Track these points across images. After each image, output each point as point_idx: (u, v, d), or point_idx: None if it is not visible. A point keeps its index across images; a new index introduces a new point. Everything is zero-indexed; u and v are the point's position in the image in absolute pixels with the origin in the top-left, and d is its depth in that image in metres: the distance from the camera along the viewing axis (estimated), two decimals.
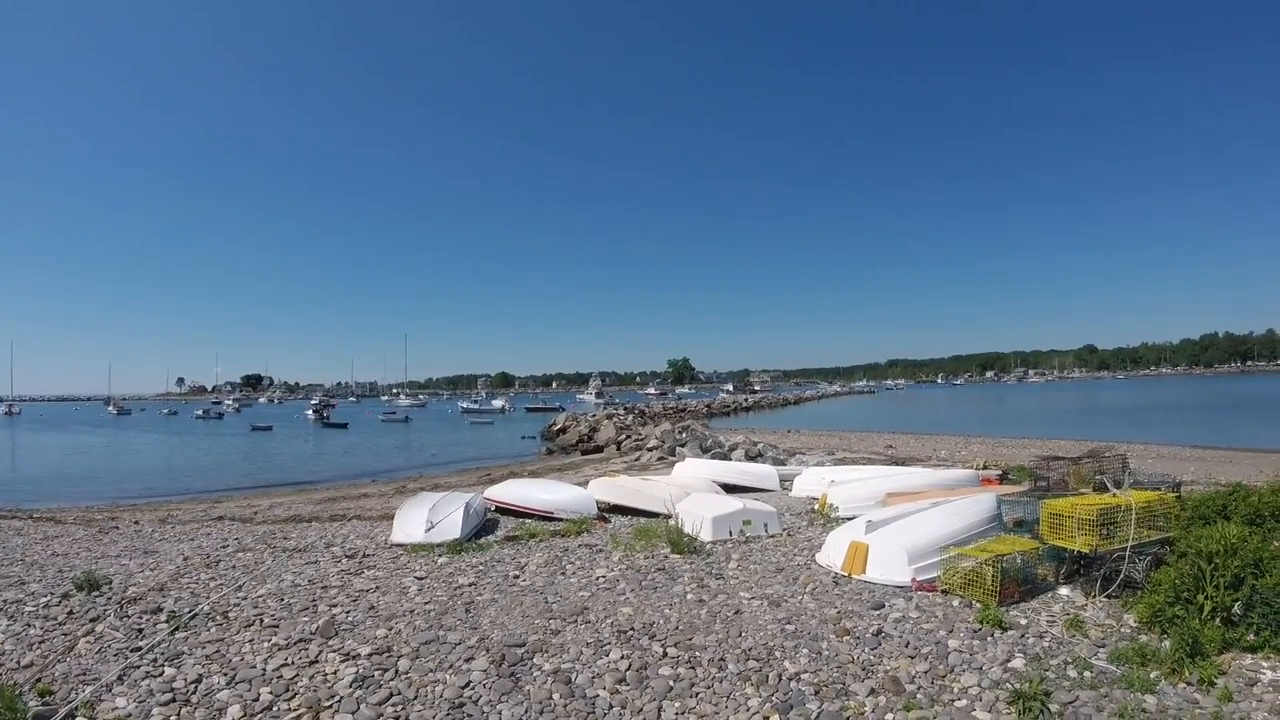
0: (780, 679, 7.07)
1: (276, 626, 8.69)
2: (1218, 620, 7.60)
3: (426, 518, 13.69)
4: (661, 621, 8.75)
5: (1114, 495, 10.22)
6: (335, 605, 9.54)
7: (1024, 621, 8.59)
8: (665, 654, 7.71)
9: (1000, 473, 20.19)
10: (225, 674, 7.27)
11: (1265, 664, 7.12)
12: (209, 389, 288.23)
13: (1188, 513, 10.08)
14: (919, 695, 6.72)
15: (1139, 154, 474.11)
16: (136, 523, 17.78)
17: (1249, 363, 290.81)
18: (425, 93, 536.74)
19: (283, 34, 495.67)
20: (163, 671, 7.35)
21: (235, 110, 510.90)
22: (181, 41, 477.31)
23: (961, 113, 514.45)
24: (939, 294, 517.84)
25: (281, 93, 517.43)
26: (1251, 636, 7.41)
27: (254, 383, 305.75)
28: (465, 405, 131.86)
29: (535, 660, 7.56)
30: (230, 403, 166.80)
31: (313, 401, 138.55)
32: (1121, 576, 9.14)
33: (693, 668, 7.36)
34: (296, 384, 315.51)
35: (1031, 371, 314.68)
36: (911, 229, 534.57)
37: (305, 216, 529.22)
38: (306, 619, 8.96)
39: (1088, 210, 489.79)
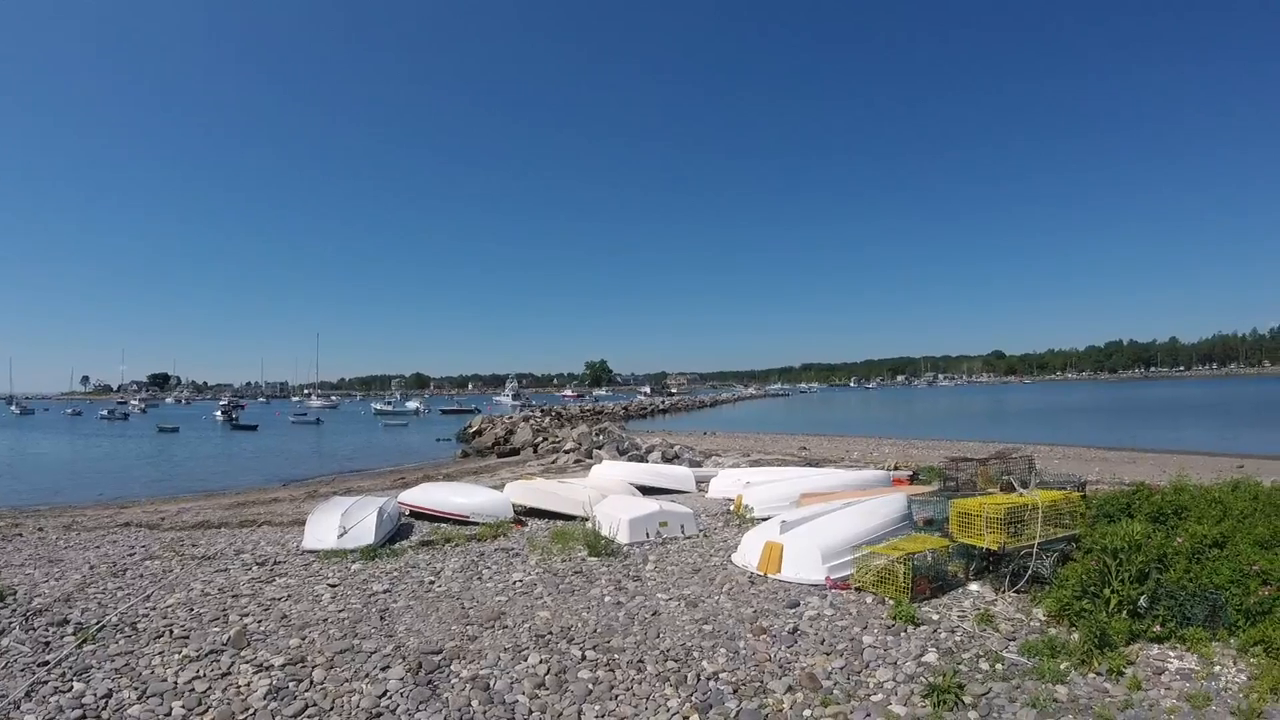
0: (699, 679, 7.09)
1: (187, 637, 8.43)
2: (1124, 613, 7.82)
3: (339, 523, 13.41)
4: (579, 625, 8.70)
5: (1021, 495, 10.46)
6: (246, 614, 9.29)
7: (936, 617, 8.74)
8: (584, 657, 7.67)
9: (911, 473, 20.53)
10: (135, 688, 7.03)
11: (1172, 653, 7.38)
12: (115, 388, 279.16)
13: (1093, 511, 10.34)
14: (836, 691, 6.79)
15: (1044, 167, 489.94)
16: (40, 529, 17.06)
17: (1152, 369, 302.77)
18: (327, 93, 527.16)
19: (172, 37, 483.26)
20: (71, 686, 7.08)
21: (136, 108, 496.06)
22: (59, 34, 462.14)
23: (878, 125, 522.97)
24: (851, 300, 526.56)
25: (185, 91, 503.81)
26: (1158, 628, 7.66)
27: (161, 382, 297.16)
28: (379, 407, 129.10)
29: (452, 667, 7.46)
30: (136, 403, 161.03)
31: (221, 402, 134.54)
32: (1030, 572, 9.36)
33: (612, 670, 7.34)
34: (204, 384, 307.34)
35: (941, 375, 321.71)
36: (824, 238, 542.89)
37: (214, 212, 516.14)
38: (217, 629, 8.70)
39: (996, 221, 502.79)
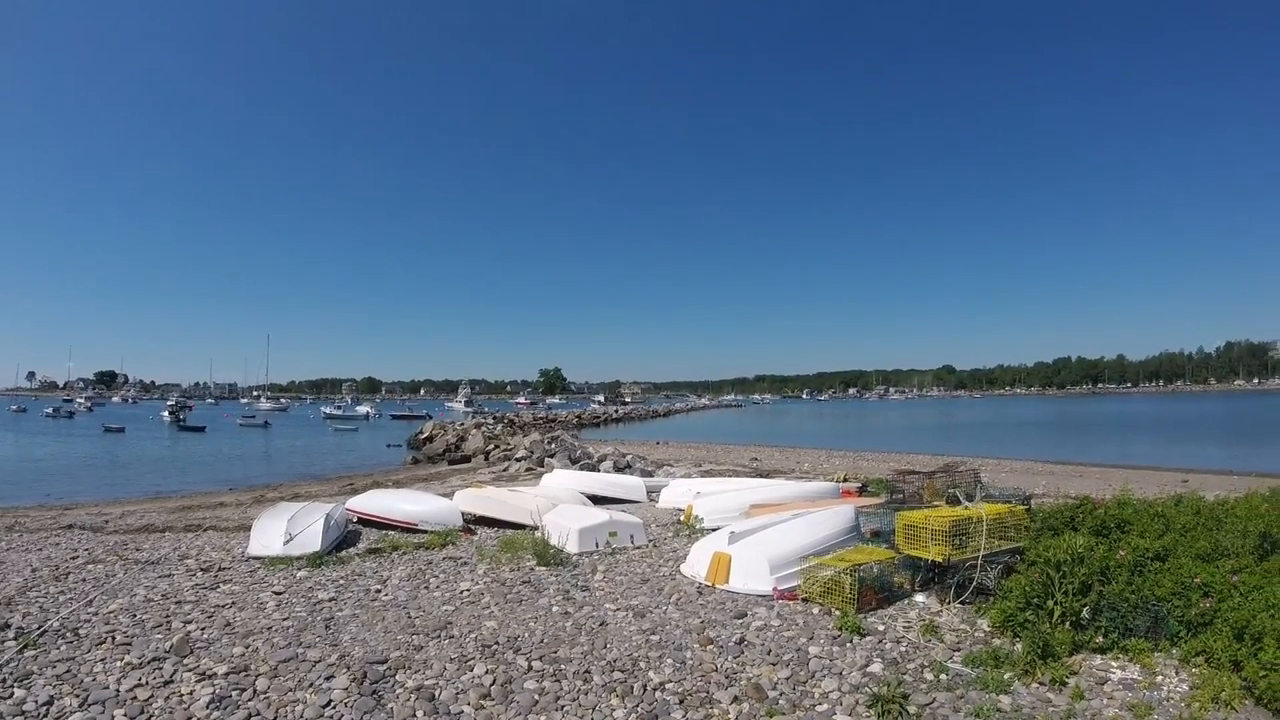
0: (645, 689, 7.05)
1: (129, 644, 8.23)
2: (1067, 624, 7.91)
3: (285, 529, 13.19)
4: (526, 635, 8.62)
5: (966, 508, 10.56)
6: (190, 621, 9.10)
7: (882, 628, 8.77)
8: (530, 668, 7.60)
9: (860, 485, 20.69)
10: (77, 695, 6.86)
11: (1114, 664, 7.47)
12: (61, 385, 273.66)
13: (1037, 524, 10.46)
14: (781, 701, 6.79)
15: (994, 188, 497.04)
16: None
17: (1099, 385, 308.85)
18: (277, 95, 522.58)
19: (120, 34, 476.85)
20: (12, 693, 6.88)
21: (82, 104, 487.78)
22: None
23: (829, 144, 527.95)
24: (805, 313, 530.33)
25: (136, 84, 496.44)
26: (1100, 639, 7.75)
27: (108, 380, 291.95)
28: (328, 410, 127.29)
29: (398, 677, 7.35)
30: (83, 401, 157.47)
31: (169, 402, 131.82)
32: (974, 584, 9.44)
33: (558, 680, 7.27)
34: (152, 383, 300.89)
35: (892, 389, 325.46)
36: (778, 252, 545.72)
37: (164, 209, 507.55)
38: (160, 636, 8.51)
39: (947, 239, 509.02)
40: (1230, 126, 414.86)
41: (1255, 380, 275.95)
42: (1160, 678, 7.11)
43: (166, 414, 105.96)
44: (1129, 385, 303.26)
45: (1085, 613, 8.04)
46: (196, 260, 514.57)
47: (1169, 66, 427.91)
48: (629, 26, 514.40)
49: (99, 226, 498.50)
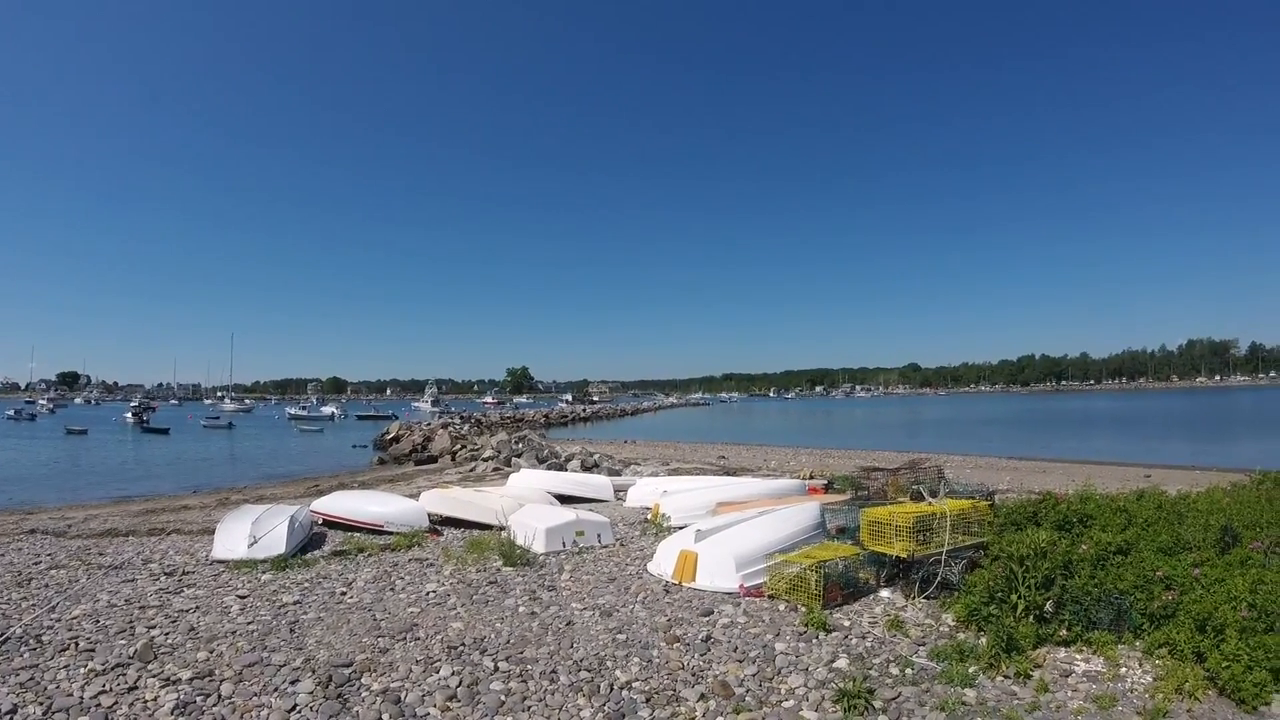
0: (612, 688, 7.03)
1: (93, 650, 8.10)
2: (1031, 618, 7.97)
3: (249, 532, 13.04)
4: (493, 636, 8.58)
5: (930, 504, 10.62)
6: (154, 627, 8.97)
7: (847, 623, 8.82)
8: (496, 669, 7.56)
9: (826, 482, 20.74)
10: (41, 703, 6.73)
11: (1078, 656, 7.56)
12: (23, 386, 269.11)
13: (1001, 519, 10.53)
14: (748, 698, 6.81)
15: (958, 191, 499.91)
16: None
17: (1063, 382, 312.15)
18: (247, 91, 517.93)
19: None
20: None
21: (44, 103, 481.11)
22: None
23: (794, 145, 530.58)
24: (771, 312, 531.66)
25: (99, 83, 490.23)
26: (1064, 632, 7.84)
27: (70, 381, 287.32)
28: (294, 411, 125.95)
29: (363, 680, 7.28)
30: (45, 402, 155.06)
31: (132, 403, 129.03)
32: (938, 579, 9.50)
33: (524, 681, 7.24)
34: (115, 383, 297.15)
35: (858, 387, 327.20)
36: (744, 252, 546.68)
37: (125, 207, 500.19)
38: (124, 642, 8.38)
39: (911, 238, 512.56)
40: (1192, 129, 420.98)
41: (1217, 377, 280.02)
42: (1124, 669, 7.19)
43: (130, 415, 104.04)
44: (1092, 382, 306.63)
45: (1049, 606, 8.12)
46: (159, 259, 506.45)
47: (1122, 69, 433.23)
48: (580, 35, 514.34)
49: (60, 225, 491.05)
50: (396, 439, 54.63)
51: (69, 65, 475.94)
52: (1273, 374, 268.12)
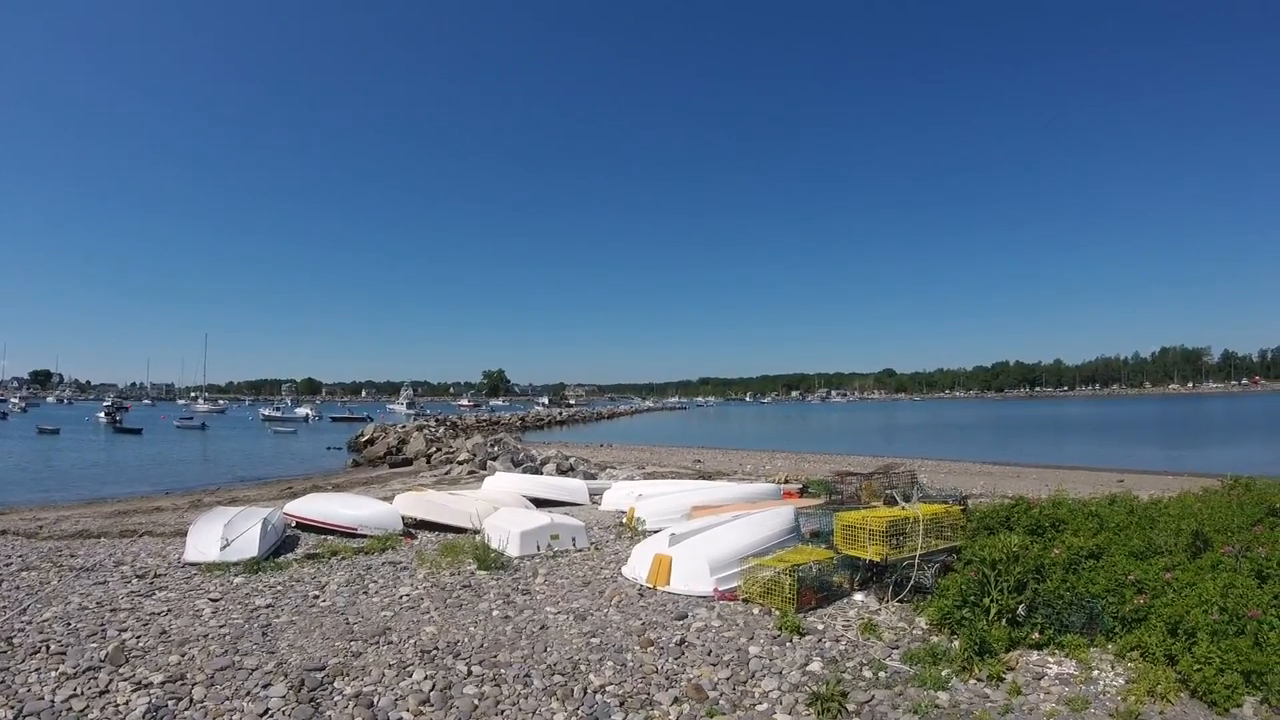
0: (585, 692, 7.02)
1: (64, 653, 7.99)
2: (1004, 621, 8.00)
3: (221, 534, 12.92)
4: (466, 639, 8.54)
5: (903, 508, 10.66)
6: (125, 630, 8.87)
7: (821, 627, 8.83)
8: (470, 673, 7.52)
9: (801, 486, 20.81)
10: (12, 707, 6.65)
11: (1051, 659, 7.60)
12: None
13: (974, 524, 10.58)
14: (722, 701, 6.81)
15: (936, 199, 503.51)
16: None
17: (1037, 388, 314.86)
18: (219, 91, 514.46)
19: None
20: None
21: (15, 96, 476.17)
22: None
23: (772, 151, 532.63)
24: (748, 316, 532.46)
25: (73, 82, 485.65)
26: (1036, 635, 7.88)
27: (42, 380, 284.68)
28: (267, 412, 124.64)
29: (336, 684, 7.22)
30: (16, 401, 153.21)
31: (105, 403, 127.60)
32: (911, 583, 9.54)
33: (498, 685, 7.20)
34: (88, 383, 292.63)
35: (834, 392, 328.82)
36: (720, 257, 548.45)
37: (98, 206, 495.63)
38: (96, 645, 8.28)
39: (887, 244, 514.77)
40: (1166, 138, 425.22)
41: (1189, 384, 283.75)
42: (1096, 672, 7.23)
43: (102, 415, 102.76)
44: (1066, 389, 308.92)
45: (1021, 610, 8.15)
46: (133, 257, 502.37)
47: (1093, 75, 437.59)
48: (573, 37, 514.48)
49: (32, 222, 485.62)
50: (371, 441, 54.45)
51: (40, 60, 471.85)
52: (1244, 381, 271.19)
